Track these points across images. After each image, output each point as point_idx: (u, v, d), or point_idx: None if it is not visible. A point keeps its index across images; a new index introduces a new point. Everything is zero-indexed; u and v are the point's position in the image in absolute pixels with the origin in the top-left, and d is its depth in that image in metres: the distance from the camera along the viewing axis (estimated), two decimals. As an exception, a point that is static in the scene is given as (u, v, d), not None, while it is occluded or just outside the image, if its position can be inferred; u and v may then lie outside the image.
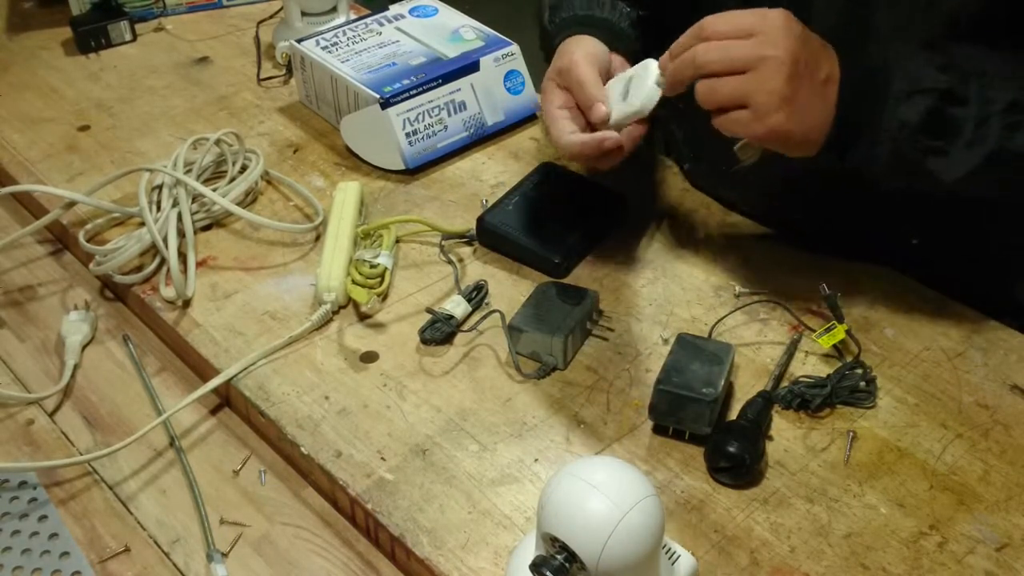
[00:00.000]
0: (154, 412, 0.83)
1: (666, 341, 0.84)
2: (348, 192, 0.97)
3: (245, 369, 0.83)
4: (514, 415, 0.79)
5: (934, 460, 0.75)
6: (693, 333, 0.82)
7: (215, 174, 1.03)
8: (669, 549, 0.66)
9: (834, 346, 0.82)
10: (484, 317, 0.87)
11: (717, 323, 0.85)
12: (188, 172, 0.98)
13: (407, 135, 1.03)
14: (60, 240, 1.01)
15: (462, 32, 1.13)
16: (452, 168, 1.06)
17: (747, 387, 0.80)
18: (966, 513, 0.72)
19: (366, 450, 0.76)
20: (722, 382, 0.76)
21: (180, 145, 1.01)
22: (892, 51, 0.79)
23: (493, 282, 0.91)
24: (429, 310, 0.87)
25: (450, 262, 0.93)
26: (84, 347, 0.88)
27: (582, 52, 0.88)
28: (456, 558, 0.69)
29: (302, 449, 0.76)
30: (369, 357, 0.84)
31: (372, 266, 0.90)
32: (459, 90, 1.07)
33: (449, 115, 1.06)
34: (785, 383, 0.80)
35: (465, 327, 0.86)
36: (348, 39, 1.13)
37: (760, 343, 0.85)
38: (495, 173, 1.05)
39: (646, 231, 0.97)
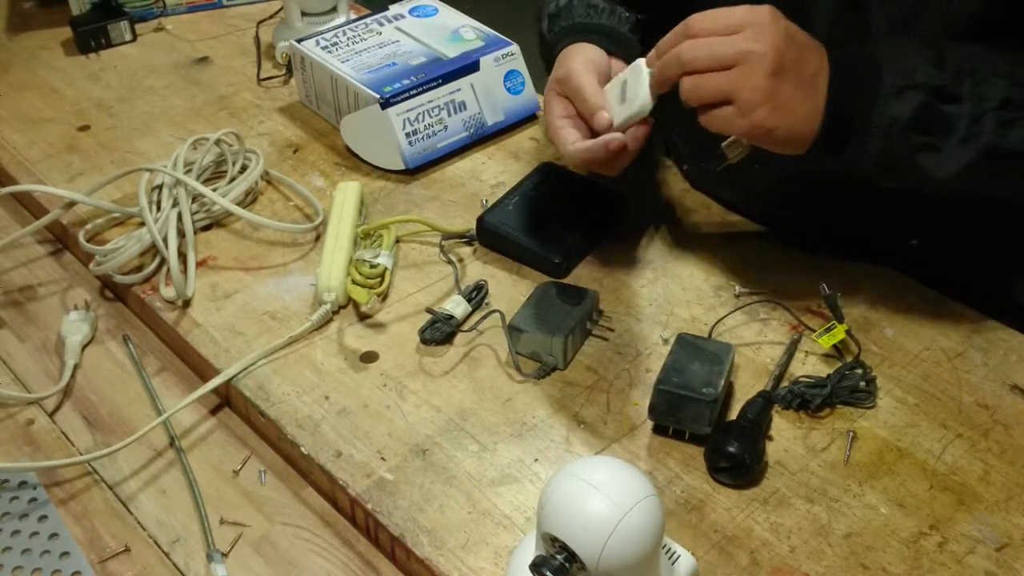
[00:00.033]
0: (154, 412, 0.83)
1: (666, 341, 0.84)
2: (348, 192, 0.97)
3: (245, 369, 0.83)
4: (514, 415, 0.79)
5: (934, 460, 0.75)
6: (693, 333, 0.82)
7: (215, 174, 1.03)
8: (669, 549, 0.66)
9: (834, 346, 0.82)
10: (484, 317, 0.87)
11: (717, 323, 0.85)
12: (188, 172, 0.98)
13: (407, 135, 1.03)
14: (60, 240, 1.01)
15: (462, 32, 1.13)
16: (452, 168, 1.06)
17: (747, 387, 0.80)
18: (966, 513, 0.72)
19: (366, 450, 0.76)
20: (722, 382, 0.76)
21: (180, 145, 1.01)
22: (884, 46, 0.79)
23: (493, 282, 0.91)
24: (429, 310, 0.86)
25: (450, 262, 0.93)
26: (84, 347, 0.88)
27: (581, 60, 0.87)
28: (456, 558, 0.69)
29: (302, 449, 0.76)
30: (369, 357, 0.84)
31: (372, 266, 0.90)
32: (459, 90, 1.07)
33: (449, 115, 1.06)
34: (785, 383, 0.80)
35: (465, 327, 0.86)
36: (348, 39, 1.13)
37: (760, 343, 0.85)
38: (495, 173, 1.05)
39: (646, 231, 0.97)
